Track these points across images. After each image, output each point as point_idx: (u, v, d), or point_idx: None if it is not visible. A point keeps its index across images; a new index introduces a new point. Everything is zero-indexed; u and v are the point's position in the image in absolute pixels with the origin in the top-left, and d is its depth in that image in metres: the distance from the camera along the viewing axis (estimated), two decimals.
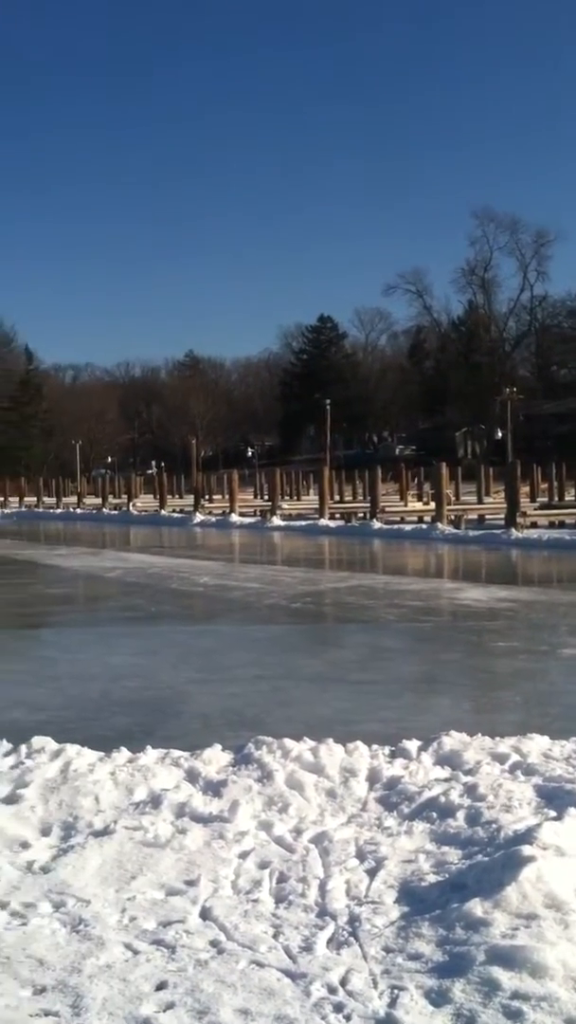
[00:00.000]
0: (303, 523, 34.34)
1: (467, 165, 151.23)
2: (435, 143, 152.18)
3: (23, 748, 5.78)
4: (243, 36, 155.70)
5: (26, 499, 63.77)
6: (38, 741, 5.83)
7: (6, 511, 59.70)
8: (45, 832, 4.72)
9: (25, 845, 4.58)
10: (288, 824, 4.71)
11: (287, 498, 48.49)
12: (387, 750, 5.75)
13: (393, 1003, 3.24)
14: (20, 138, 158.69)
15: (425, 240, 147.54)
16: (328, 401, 79.30)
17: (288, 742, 5.63)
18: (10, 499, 65.92)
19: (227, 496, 43.83)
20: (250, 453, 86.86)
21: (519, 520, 27.04)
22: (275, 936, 3.72)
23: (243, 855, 4.39)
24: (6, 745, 5.87)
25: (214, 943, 3.67)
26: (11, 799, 5.04)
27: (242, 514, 39.79)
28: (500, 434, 78.10)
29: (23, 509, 59.37)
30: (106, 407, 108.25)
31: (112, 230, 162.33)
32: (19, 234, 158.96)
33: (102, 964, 3.52)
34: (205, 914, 3.89)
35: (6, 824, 4.75)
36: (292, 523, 34.80)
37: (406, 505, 42.17)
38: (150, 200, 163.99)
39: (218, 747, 5.72)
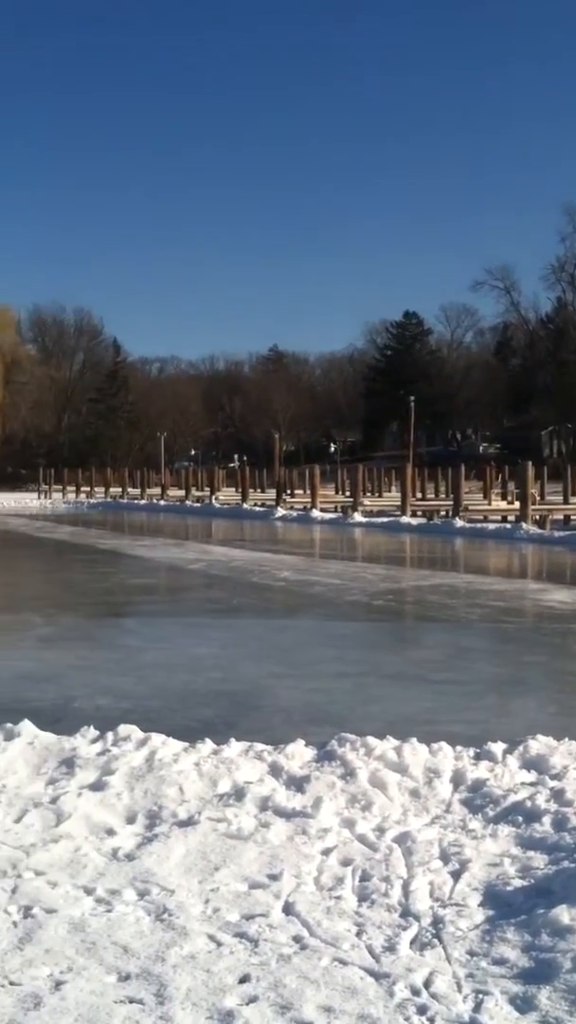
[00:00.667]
0: (384, 520, 34.18)
1: (559, 159, 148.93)
2: (527, 136, 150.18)
3: (109, 735, 5.85)
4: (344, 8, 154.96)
5: (111, 489, 64.62)
6: (124, 729, 5.90)
7: (92, 501, 60.60)
8: (130, 820, 4.77)
9: (111, 832, 4.63)
10: (371, 823, 4.69)
11: (369, 494, 48.31)
12: (471, 752, 5.70)
13: (478, 1008, 3.21)
14: (108, 135, 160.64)
15: (514, 236, 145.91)
16: (412, 398, 78.82)
17: (371, 740, 5.62)
18: (96, 489, 66.88)
19: (308, 491, 43.90)
20: (332, 448, 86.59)
21: None
22: (358, 934, 3.71)
23: (326, 852, 4.39)
24: (93, 732, 5.95)
25: (297, 938, 3.68)
26: (97, 786, 5.10)
27: (323, 509, 39.81)
28: None
29: (108, 499, 60.22)
30: (190, 400, 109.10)
31: (198, 226, 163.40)
32: (108, 229, 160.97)
33: (186, 954, 3.55)
34: (288, 909, 3.90)
35: (92, 811, 4.82)
36: (373, 520, 34.67)
37: (490, 504, 41.79)
38: (237, 197, 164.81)
39: (301, 742, 5.72)
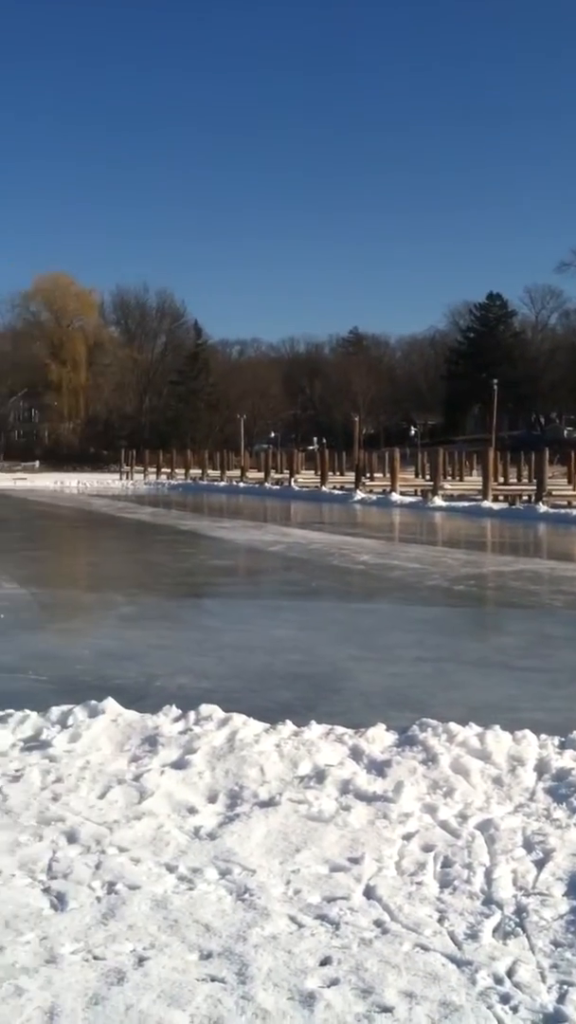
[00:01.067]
0: (465, 504, 33.91)
1: None
2: None
3: (191, 714, 5.90)
4: None
5: (191, 471, 65.11)
6: (206, 709, 5.94)
7: (172, 482, 61.14)
8: (212, 799, 4.80)
9: (192, 811, 4.67)
10: (453, 809, 4.66)
11: (449, 478, 47.99)
12: (556, 740, 5.62)
13: (562, 998, 3.17)
14: (189, 117, 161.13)
15: None
16: (495, 380, 77.94)
17: (453, 726, 5.57)
18: (176, 471, 67.45)
19: (388, 474, 43.71)
20: (412, 432, 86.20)
21: None
22: (440, 920, 3.69)
23: (407, 837, 4.37)
24: (175, 711, 6.00)
25: (378, 923, 3.67)
26: (179, 764, 5.15)
27: (403, 493, 39.63)
28: None
29: (188, 481, 60.69)
30: (270, 382, 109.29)
31: (279, 209, 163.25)
32: (189, 213, 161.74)
33: (267, 934, 3.56)
34: (369, 893, 3.89)
35: (175, 788, 4.86)
36: (454, 504, 34.40)
37: (574, 489, 41.16)
38: (318, 179, 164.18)
39: (382, 726, 5.70)
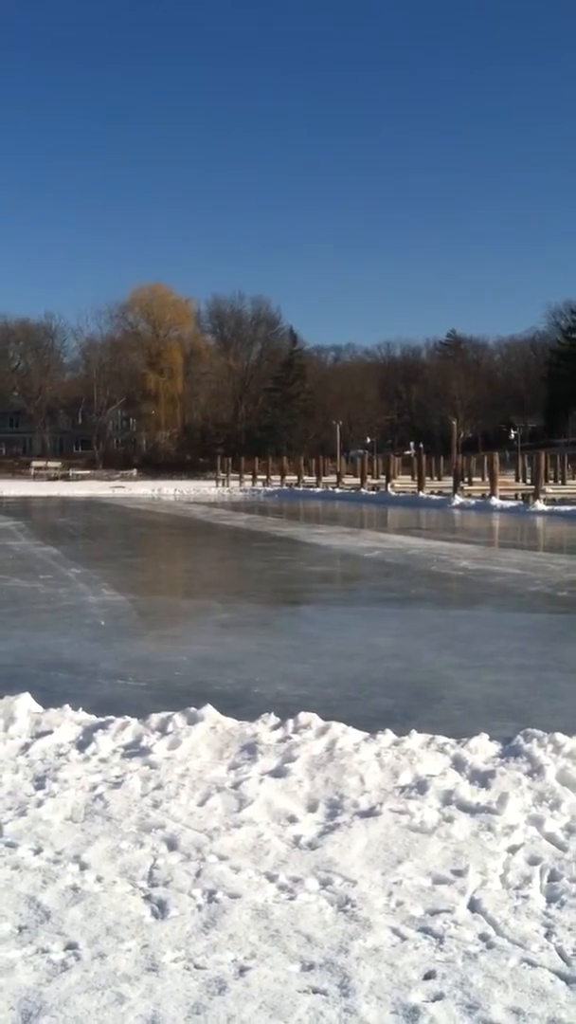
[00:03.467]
0: (568, 508, 33.32)
1: None
2: None
3: (290, 722, 5.87)
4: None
5: (286, 477, 65.33)
6: (305, 717, 5.91)
7: (267, 489, 61.42)
8: (311, 808, 4.76)
9: (292, 819, 4.64)
10: (560, 821, 4.54)
11: (551, 482, 47.24)
12: None
13: None
14: (282, 127, 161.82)
15: None
16: None
17: (560, 736, 5.44)
18: (271, 477, 67.75)
19: (487, 479, 43.22)
20: (512, 435, 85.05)
21: None
22: (547, 936, 3.59)
23: (512, 849, 4.27)
24: (273, 718, 5.98)
25: (483, 937, 3.59)
26: (279, 772, 5.12)
27: (503, 497, 39.15)
28: None
29: (283, 487, 60.90)
30: (366, 388, 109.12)
31: (375, 213, 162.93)
32: (285, 220, 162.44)
33: (369, 947, 3.50)
34: (473, 906, 3.81)
35: (274, 797, 4.83)
36: (556, 508, 33.85)
37: None
38: (414, 183, 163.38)
39: (485, 736, 5.59)
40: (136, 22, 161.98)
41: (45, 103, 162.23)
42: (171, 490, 62.35)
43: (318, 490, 55.51)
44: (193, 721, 5.89)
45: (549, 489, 41.81)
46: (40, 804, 4.79)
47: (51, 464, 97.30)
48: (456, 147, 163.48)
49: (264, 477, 69.04)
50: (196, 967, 3.36)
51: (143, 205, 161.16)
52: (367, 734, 5.66)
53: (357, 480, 56.49)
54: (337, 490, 53.82)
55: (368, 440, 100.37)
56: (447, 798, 4.76)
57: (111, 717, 6.12)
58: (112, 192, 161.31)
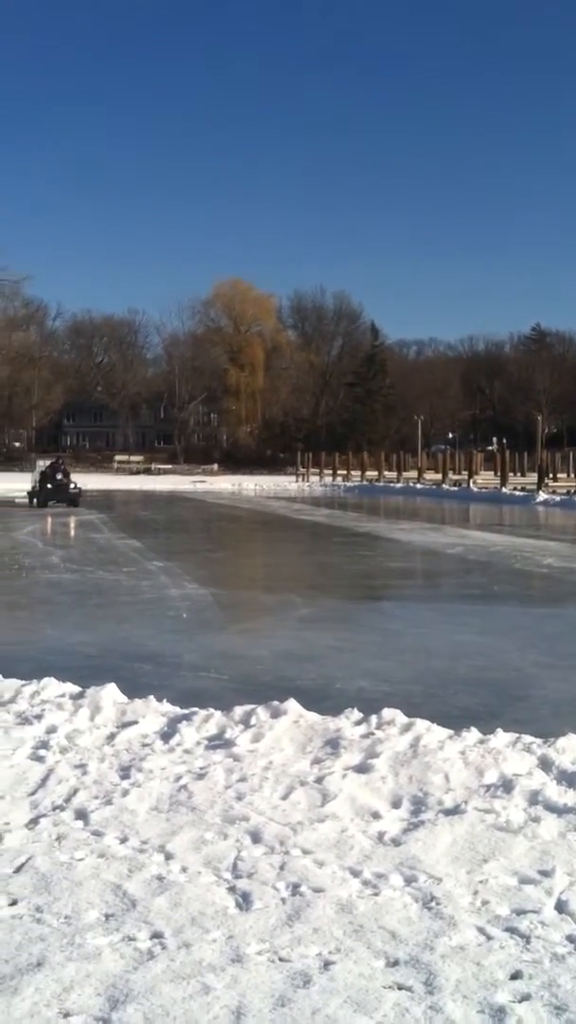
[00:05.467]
0: None
1: None
2: None
3: (373, 718, 5.85)
4: None
5: (367, 473, 65.13)
6: (388, 713, 5.88)
7: (347, 484, 61.32)
8: (395, 804, 4.74)
9: (376, 815, 4.62)
10: None
11: None
12: None
13: None
14: (365, 120, 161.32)
15: None
16: None
17: None
18: (352, 473, 67.60)
19: (573, 475, 42.57)
20: None
21: None
22: None
23: None
24: (356, 714, 5.96)
25: (571, 938, 3.53)
26: (362, 768, 5.11)
27: None
28: None
29: (364, 483, 60.74)
30: (448, 382, 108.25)
31: (457, 209, 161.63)
32: (367, 216, 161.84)
33: (455, 945, 3.48)
34: (561, 907, 3.75)
35: (358, 792, 4.82)
36: None
37: None
38: (495, 180, 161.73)
39: (573, 736, 5.49)
40: (226, 18, 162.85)
41: (126, 100, 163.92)
42: (251, 485, 62.57)
43: (399, 486, 55.24)
44: (276, 715, 5.90)
45: None
46: (126, 793, 4.84)
47: (133, 458, 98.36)
48: (537, 140, 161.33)
49: (344, 472, 68.91)
50: (281, 960, 3.37)
51: (224, 201, 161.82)
52: (451, 732, 5.62)
53: (439, 476, 56.12)
54: (418, 486, 53.50)
55: (450, 436, 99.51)
56: (533, 798, 4.70)
57: (195, 709, 6.17)
58: (194, 188, 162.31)
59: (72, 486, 36.15)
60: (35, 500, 36.42)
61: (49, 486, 36.09)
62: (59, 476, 36.41)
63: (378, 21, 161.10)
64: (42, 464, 38.53)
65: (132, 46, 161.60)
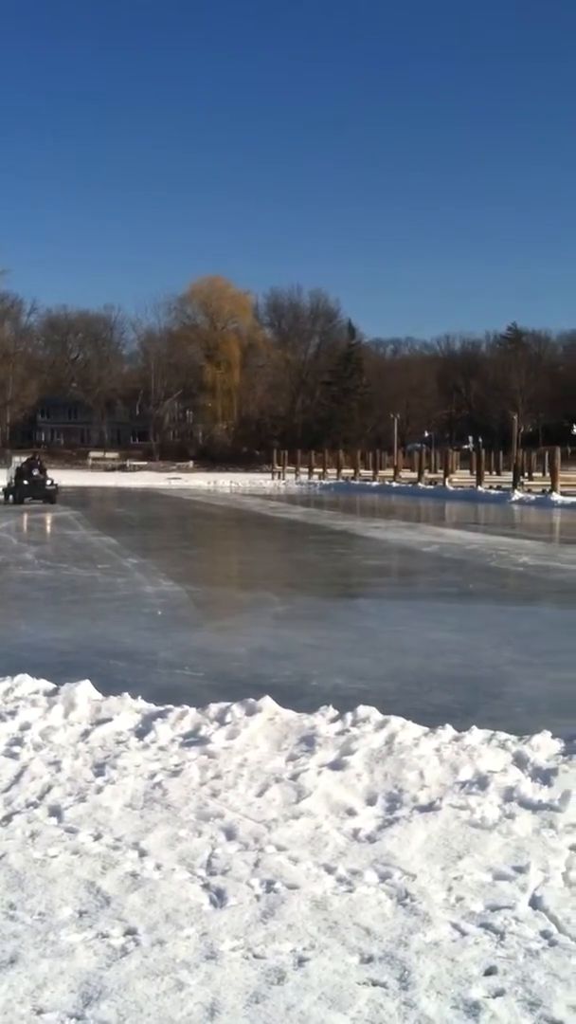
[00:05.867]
0: None
1: None
2: None
3: (348, 715, 5.85)
4: None
5: (343, 471, 65.21)
6: (363, 710, 5.88)
7: (323, 482, 61.36)
8: (370, 801, 4.74)
9: (351, 812, 4.62)
10: None
11: None
12: None
13: None
14: (340, 121, 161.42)
15: None
16: None
17: None
18: (328, 471, 67.67)
19: (548, 474, 42.80)
20: (574, 430, 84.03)
21: None
22: None
23: (575, 847, 4.22)
24: (332, 711, 5.96)
25: (545, 934, 3.54)
26: (337, 765, 5.11)
27: (564, 493, 38.69)
28: None
29: (340, 481, 60.80)
30: (424, 381, 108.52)
31: (432, 206, 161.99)
32: (343, 213, 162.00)
33: (429, 941, 3.48)
34: (535, 903, 3.76)
35: (332, 789, 4.82)
36: None
37: None
38: (473, 176, 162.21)
39: (547, 733, 5.52)
40: (207, 9, 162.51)
41: (106, 92, 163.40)
42: (227, 482, 62.54)
43: (375, 484, 55.32)
44: (251, 712, 5.89)
45: None
46: (100, 790, 4.82)
47: (108, 455, 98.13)
48: (517, 138, 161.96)
49: (320, 470, 68.98)
50: (255, 956, 3.36)
51: (202, 197, 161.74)
52: (427, 729, 5.63)
53: (414, 474, 56.25)
54: (394, 484, 53.61)
55: (426, 434, 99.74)
56: (508, 794, 4.71)
57: (170, 706, 6.15)
58: (172, 184, 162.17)
59: (49, 483, 35.97)
60: (11, 497, 36.21)
61: (25, 482, 35.89)
62: (36, 472, 36.21)
63: (366, 14, 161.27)
64: (18, 460, 38.28)
65: (127, 40, 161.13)
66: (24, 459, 38.15)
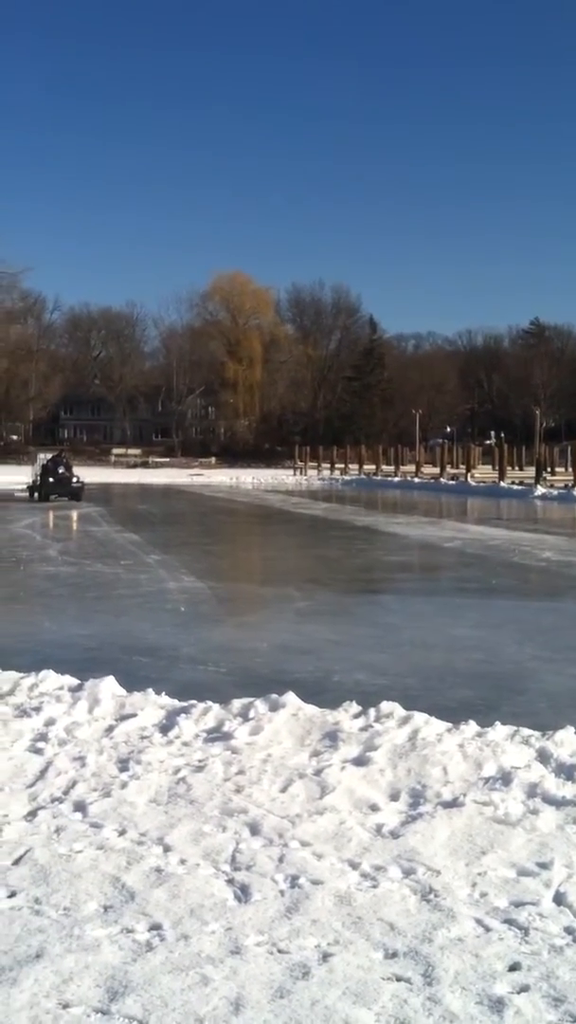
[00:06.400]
0: None
1: None
2: None
3: (372, 711, 5.85)
4: None
5: (365, 466, 65.12)
6: (386, 706, 5.88)
7: (345, 478, 61.30)
8: (394, 797, 4.74)
9: (374, 808, 4.62)
10: None
11: None
12: None
13: None
14: (361, 118, 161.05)
15: None
16: None
17: None
18: (350, 466, 67.60)
19: (571, 469, 42.61)
20: None
21: None
22: None
23: None
24: (355, 707, 5.97)
25: (569, 930, 3.54)
26: (360, 761, 5.11)
27: None
28: None
29: (362, 476, 60.73)
30: (446, 376, 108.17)
31: (455, 202, 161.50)
32: (365, 209, 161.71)
33: (453, 937, 3.48)
34: (559, 899, 3.76)
35: (356, 785, 4.83)
36: None
37: None
38: (496, 170, 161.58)
39: (571, 729, 5.51)
40: (228, 16, 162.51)
41: (123, 91, 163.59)
42: (249, 478, 62.58)
43: (396, 479, 55.22)
44: (275, 707, 5.90)
45: None
46: (124, 786, 4.85)
47: (131, 452, 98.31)
48: (537, 133, 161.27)
49: (342, 466, 68.91)
50: (279, 951, 3.37)
51: (224, 194, 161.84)
52: (450, 725, 5.62)
53: (436, 470, 56.11)
54: (416, 479, 53.50)
55: (448, 429, 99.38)
56: (532, 790, 4.71)
57: (193, 702, 6.17)
58: (194, 181, 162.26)
59: (75, 480, 36.05)
60: (36, 494, 36.33)
61: (51, 480, 35.98)
62: (61, 470, 36.29)
63: (375, 13, 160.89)
64: (43, 458, 38.37)
65: (133, 38, 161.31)
66: (49, 456, 38.23)
